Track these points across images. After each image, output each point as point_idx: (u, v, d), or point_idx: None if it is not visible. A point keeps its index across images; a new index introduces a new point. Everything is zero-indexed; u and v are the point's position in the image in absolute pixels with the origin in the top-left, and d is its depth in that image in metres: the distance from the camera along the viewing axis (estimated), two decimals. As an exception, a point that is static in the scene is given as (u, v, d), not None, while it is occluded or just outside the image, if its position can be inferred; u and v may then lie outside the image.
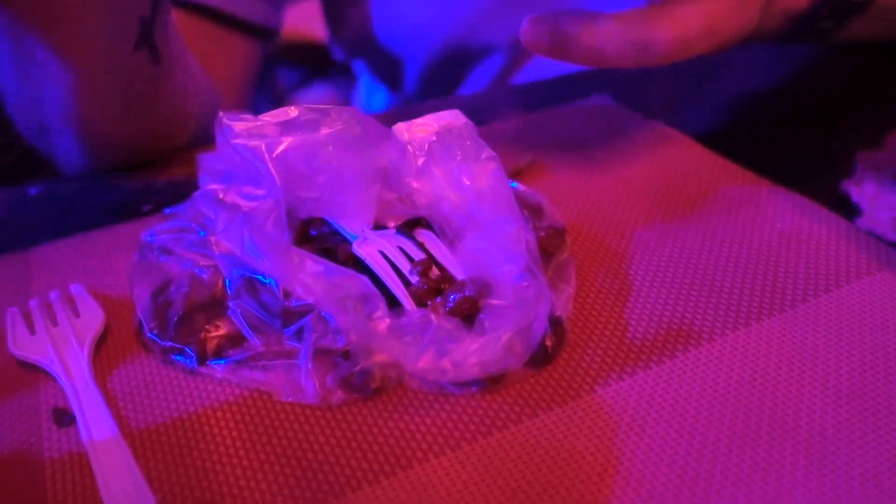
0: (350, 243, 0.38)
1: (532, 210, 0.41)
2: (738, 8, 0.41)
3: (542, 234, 0.39)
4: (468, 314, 0.33)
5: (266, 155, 0.34)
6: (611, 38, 0.39)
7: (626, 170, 0.49)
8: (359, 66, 0.88)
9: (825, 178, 0.47)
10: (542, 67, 0.75)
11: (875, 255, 0.40)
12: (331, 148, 0.35)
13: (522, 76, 0.76)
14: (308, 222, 0.39)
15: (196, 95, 0.56)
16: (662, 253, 0.41)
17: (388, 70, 0.83)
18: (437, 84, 0.79)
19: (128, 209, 0.50)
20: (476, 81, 0.77)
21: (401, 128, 0.38)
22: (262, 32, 0.70)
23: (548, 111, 0.57)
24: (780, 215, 0.43)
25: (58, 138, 0.50)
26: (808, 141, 0.53)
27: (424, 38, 0.74)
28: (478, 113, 0.58)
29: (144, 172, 0.53)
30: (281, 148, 0.34)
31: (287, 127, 0.36)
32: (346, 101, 0.96)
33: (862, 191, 0.44)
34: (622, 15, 0.39)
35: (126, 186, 0.52)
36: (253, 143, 0.34)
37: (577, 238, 0.42)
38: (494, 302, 0.32)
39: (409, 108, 0.62)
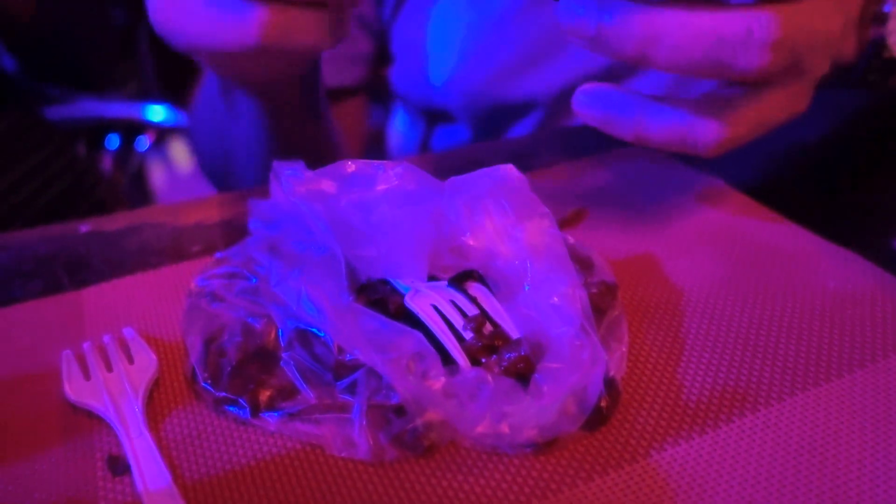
0: (401, 294, 0.38)
1: (582, 264, 0.41)
2: (791, 98, 0.41)
3: (594, 290, 0.39)
4: (522, 374, 0.33)
5: (325, 213, 0.34)
6: (658, 130, 0.39)
7: (674, 222, 0.49)
8: (397, 106, 0.89)
9: (875, 234, 0.46)
10: (579, 121, 0.74)
11: (932, 319, 0.39)
12: (387, 204, 0.36)
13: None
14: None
15: (338, 141, 0.67)
16: (714, 310, 0.41)
17: (423, 116, 0.84)
18: (474, 136, 0.79)
19: (177, 249, 0.50)
20: (514, 134, 0.77)
21: (454, 182, 0.38)
22: (357, 90, 0.78)
23: (592, 158, 0.57)
24: (834, 274, 0.43)
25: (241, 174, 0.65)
26: (858, 195, 0.52)
27: (456, 93, 0.75)
28: (521, 157, 0.59)
29: (194, 211, 0.54)
30: (339, 205, 0.35)
31: (344, 182, 0.36)
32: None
33: (916, 250, 0.43)
34: (675, 104, 0.39)
35: (175, 225, 0.53)
36: (312, 199, 0.35)
37: (627, 293, 0.42)
38: (551, 365, 0.32)
39: (456, 153, 0.62)
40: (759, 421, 0.34)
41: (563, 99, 0.73)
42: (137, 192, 1.54)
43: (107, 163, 1.47)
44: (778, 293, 0.42)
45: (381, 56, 0.80)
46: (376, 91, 0.84)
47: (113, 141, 1.49)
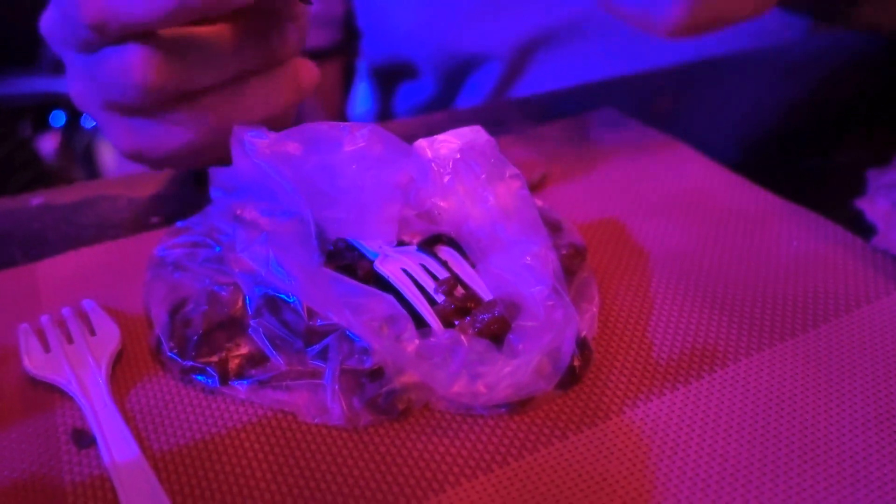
0: (369, 260, 0.38)
1: (551, 227, 0.41)
2: None
3: (564, 252, 0.39)
4: (497, 335, 0.33)
5: (291, 175, 0.33)
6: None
7: (639, 185, 0.49)
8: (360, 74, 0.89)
9: (835, 194, 0.47)
10: (540, 78, 0.75)
11: (892, 276, 0.40)
12: (354, 166, 0.35)
13: (522, 87, 0.76)
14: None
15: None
16: (681, 271, 0.41)
17: (386, 77, 0.83)
18: (437, 91, 0.79)
19: (135, 221, 0.49)
20: (475, 90, 0.77)
21: (423, 144, 0.37)
22: (332, 53, 0.77)
23: (556, 123, 0.57)
24: (796, 234, 0.43)
25: None
26: (818, 156, 0.53)
27: (420, 43, 0.75)
28: (487, 125, 0.58)
29: (152, 183, 0.53)
30: (305, 167, 0.34)
31: (309, 144, 0.35)
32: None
33: (875, 209, 0.44)
34: None
35: (133, 197, 0.51)
36: (277, 161, 0.34)
37: (595, 255, 0.42)
38: (525, 323, 0.32)
39: (420, 120, 0.62)
40: (728, 376, 0.34)
41: (523, 51, 0.73)
42: (87, 170, 1.50)
43: (51, 142, 1.42)
44: (743, 254, 0.42)
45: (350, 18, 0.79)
46: (349, 60, 0.84)
47: (58, 118, 1.45)
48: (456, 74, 0.77)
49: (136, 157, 0.44)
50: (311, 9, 0.43)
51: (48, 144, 1.43)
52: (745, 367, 0.35)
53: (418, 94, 0.81)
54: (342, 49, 0.80)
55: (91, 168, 1.51)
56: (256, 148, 0.35)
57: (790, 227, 0.44)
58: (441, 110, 0.81)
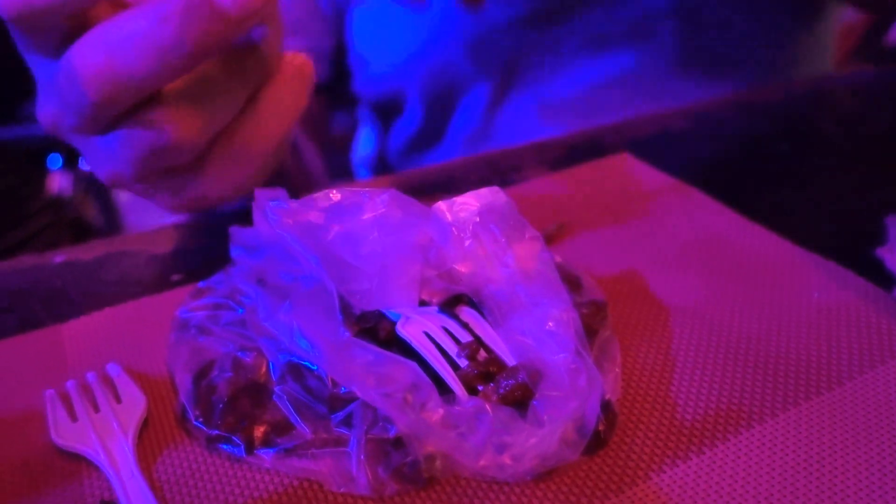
0: (391, 321, 0.38)
1: (571, 284, 0.41)
2: None
3: (585, 310, 0.39)
4: (521, 401, 0.33)
5: (315, 247, 0.34)
6: None
7: (658, 235, 0.49)
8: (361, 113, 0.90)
9: (857, 242, 0.47)
10: (528, 101, 0.75)
11: (916, 327, 0.40)
12: (375, 233, 0.35)
13: (510, 110, 0.76)
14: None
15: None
16: (703, 325, 0.41)
17: (380, 112, 0.84)
18: (428, 121, 0.79)
19: (156, 278, 0.49)
20: (466, 115, 0.77)
21: (442, 207, 0.38)
22: (320, 89, 0.77)
23: (572, 170, 0.57)
24: (818, 285, 0.43)
25: None
26: (833, 202, 0.53)
27: (411, 72, 0.76)
28: (500, 172, 0.59)
29: (172, 238, 0.53)
30: (328, 237, 0.34)
31: (331, 212, 0.36)
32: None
33: (896, 258, 0.44)
34: None
35: (154, 253, 0.52)
36: (300, 232, 0.34)
37: (615, 309, 0.42)
38: (550, 393, 0.32)
39: (437, 169, 0.62)
40: (755, 438, 0.34)
41: (511, 74, 0.74)
42: (102, 206, 1.51)
43: (65, 179, 1.44)
44: (765, 306, 0.42)
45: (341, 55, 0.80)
46: (341, 96, 0.84)
47: (55, 161, 1.46)
48: (446, 101, 0.77)
49: (189, 210, 0.45)
50: (299, 41, 0.44)
51: (63, 181, 1.45)
52: (772, 428, 0.34)
53: (410, 125, 0.81)
54: (332, 85, 0.80)
55: (106, 203, 1.53)
56: (279, 218, 0.35)
57: (811, 277, 0.44)
58: (434, 141, 0.81)
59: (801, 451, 0.33)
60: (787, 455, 0.33)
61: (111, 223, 1.50)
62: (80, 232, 1.29)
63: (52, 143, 1.39)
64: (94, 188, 1.49)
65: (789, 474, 0.32)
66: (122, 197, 1.61)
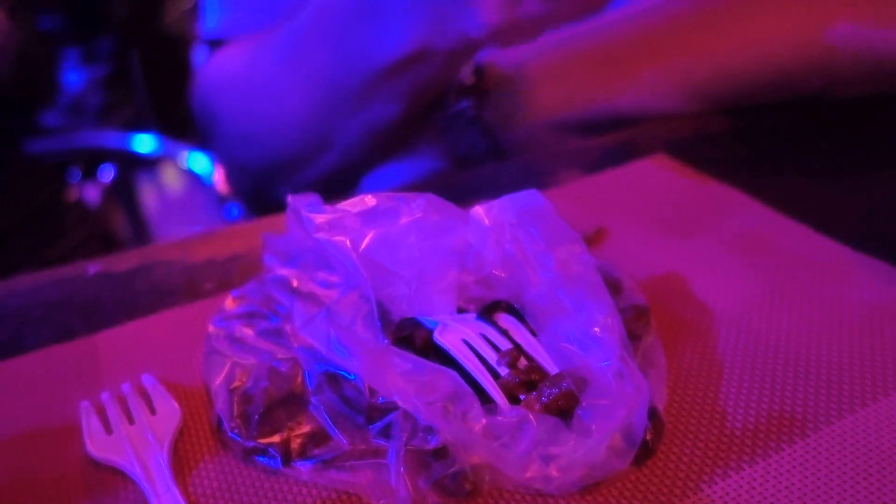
0: (427, 329, 0.37)
1: (612, 287, 0.40)
2: None
3: (628, 315, 0.38)
4: (565, 410, 0.32)
5: (353, 253, 0.33)
6: None
7: (698, 236, 0.47)
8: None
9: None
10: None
11: (975, 329, 0.38)
12: (412, 238, 0.35)
13: None
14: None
15: None
16: (749, 328, 0.39)
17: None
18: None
19: (190, 287, 0.49)
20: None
21: (479, 211, 0.37)
22: None
23: (608, 172, 0.56)
24: (867, 285, 0.42)
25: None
26: (874, 200, 0.51)
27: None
28: (535, 176, 0.58)
29: (205, 245, 0.53)
30: (365, 242, 0.34)
31: (366, 217, 0.35)
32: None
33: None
34: None
35: (187, 263, 0.51)
36: (336, 237, 0.34)
37: (657, 313, 0.41)
38: (596, 402, 0.31)
39: (473, 174, 0.61)
40: (811, 447, 0.33)
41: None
42: (132, 219, 1.52)
43: (95, 192, 1.45)
44: (813, 307, 0.40)
45: None
46: None
47: (106, 172, 1.48)
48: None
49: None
50: None
51: (92, 194, 1.46)
52: (828, 437, 0.33)
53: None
54: None
55: (135, 214, 1.54)
56: (314, 222, 0.34)
57: (860, 277, 0.42)
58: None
59: (859, 462, 0.32)
60: (845, 465, 0.32)
61: (140, 234, 1.51)
62: (111, 244, 1.30)
63: (74, 156, 1.40)
64: (122, 199, 1.51)
65: (848, 486, 0.31)
66: (150, 207, 1.63)
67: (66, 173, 1.36)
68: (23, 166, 1.06)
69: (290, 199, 0.39)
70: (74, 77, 1.76)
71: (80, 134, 1.54)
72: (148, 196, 1.71)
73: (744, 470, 0.32)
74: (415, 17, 0.49)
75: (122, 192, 1.51)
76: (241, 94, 0.69)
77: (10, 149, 1.07)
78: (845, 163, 0.57)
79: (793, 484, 0.31)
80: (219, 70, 0.73)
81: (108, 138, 1.50)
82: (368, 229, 0.34)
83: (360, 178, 0.70)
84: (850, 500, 0.30)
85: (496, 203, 0.37)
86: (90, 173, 1.45)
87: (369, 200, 0.36)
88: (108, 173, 1.43)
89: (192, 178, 1.47)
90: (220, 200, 1.28)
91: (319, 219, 0.35)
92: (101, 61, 1.78)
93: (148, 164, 1.57)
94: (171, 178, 1.80)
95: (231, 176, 0.92)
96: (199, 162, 1.35)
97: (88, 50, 1.77)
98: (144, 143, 1.45)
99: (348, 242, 0.33)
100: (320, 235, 0.34)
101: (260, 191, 0.76)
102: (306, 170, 0.66)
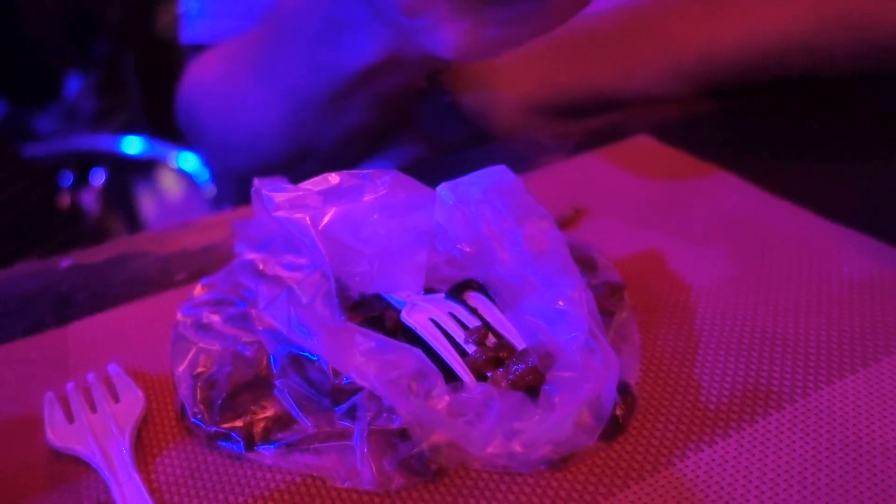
0: (397, 310, 0.36)
1: (585, 265, 0.39)
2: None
3: (600, 292, 0.37)
4: (532, 386, 0.31)
5: (312, 230, 0.32)
6: None
7: (679, 214, 0.47)
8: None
9: (886, 213, 0.45)
10: None
11: (957, 299, 0.37)
12: (376, 216, 0.34)
13: None
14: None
15: None
16: (727, 305, 0.39)
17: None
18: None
19: (163, 278, 0.48)
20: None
21: (446, 188, 0.36)
22: None
23: (588, 154, 0.55)
24: (848, 259, 0.41)
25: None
26: (863, 179, 0.50)
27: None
28: (512, 160, 0.57)
29: (180, 237, 0.52)
30: (326, 219, 0.33)
31: (329, 195, 0.34)
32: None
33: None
34: None
35: (161, 254, 0.51)
36: (297, 215, 0.33)
37: (634, 293, 0.40)
38: (562, 374, 0.30)
39: (445, 160, 0.60)
40: (786, 419, 0.32)
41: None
42: (129, 224, 1.52)
43: (91, 197, 1.44)
44: (792, 283, 0.40)
45: None
46: None
47: (98, 175, 1.47)
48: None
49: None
50: None
51: (88, 200, 1.46)
52: (804, 409, 0.32)
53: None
54: None
55: (133, 222, 1.54)
56: (275, 201, 0.34)
57: (842, 252, 0.41)
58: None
59: (835, 433, 0.31)
60: (820, 437, 0.31)
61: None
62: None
63: (68, 159, 1.40)
64: (119, 204, 1.50)
65: (824, 458, 0.30)
66: (148, 212, 1.62)
67: (59, 176, 1.36)
68: (16, 169, 1.05)
69: (255, 181, 0.38)
70: (68, 82, 1.76)
71: (73, 138, 1.53)
72: (145, 201, 1.71)
73: (717, 444, 0.31)
74: (381, 29, 0.49)
75: (119, 198, 1.50)
76: (219, 106, 0.69)
77: (5, 151, 1.07)
78: (836, 142, 0.56)
79: (766, 456, 0.30)
80: (197, 80, 0.73)
81: (101, 141, 1.50)
82: (330, 207, 0.33)
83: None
84: (825, 470, 0.29)
85: (463, 180, 0.36)
86: (83, 177, 1.44)
87: (332, 179, 0.35)
88: (99, 177, 1.43)
89: (188, 180, 1.47)
90: (216, 201, 1.28)
91: (280, 197, 0.34)
92: (95, 66, 1.78)
93: (142, 167, 1.56)
94: (168, 182, 1.79)
95: (218, 181, 0.93)
96: (191, 162, 1.34)
97: (82, 55, 1.77)
98: (136, 146, 1.44)
99: (308, 219, 0.33)
100: (280, 214, 0.33)
101: (246, 195, 0.75)
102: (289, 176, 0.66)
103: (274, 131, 0.64)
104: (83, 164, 1.44)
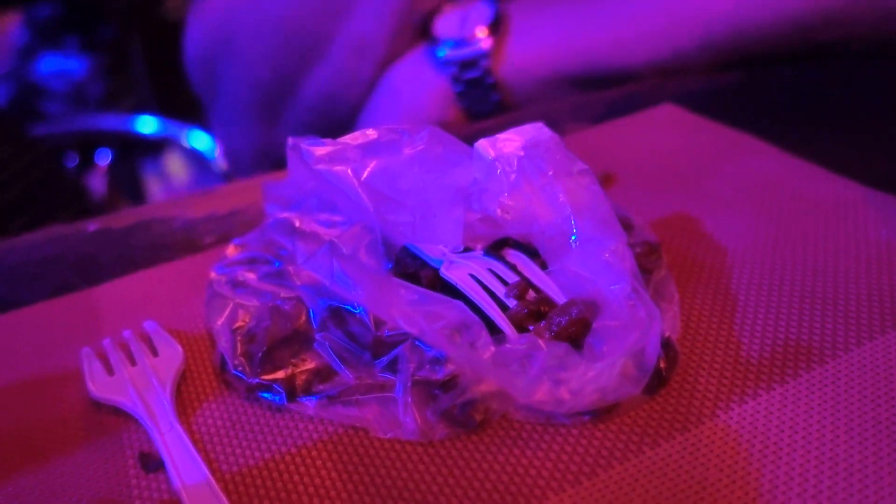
0: (432, 268, 0.36)
1: (622, 225, 0.39)
2: None
3: (638, 250, 0.37)
4: (575, 338, 0.31)
5: (354, 180, 0.32)
6: None
7: (709, 180, 0.46)
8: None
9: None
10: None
11: None
12: (415, 169, 0.34)
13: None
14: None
15: None
16: (763, 265, 0.39)
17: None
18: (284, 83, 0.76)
19: (189, 241, 0.48)
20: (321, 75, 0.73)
21: (484, 144, 0.36)
22: None
23: (615, 122, 0.55)
24: (882, 222, 0.41)
25: None
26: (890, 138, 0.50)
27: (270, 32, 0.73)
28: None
29: (204, 202, 0.52)
30: (366, 172, 0.33)
31: (368, 149, 0.34)
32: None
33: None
34: None
35: (187, 218, 0.50)
36: (337, 167, 0.33)
37: (669, 253, 0.40)
38: (608, 323, 0.30)
39: (475, 126, 0.60)
40: (829, 373, 0.32)
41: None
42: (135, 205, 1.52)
43: (98, 179, 1.44)
44: (828, 245, 0.39)
45: None
46: None
47: (104, 156, 1.47)
48: (303, 62, 0.73)
49: None
50: None
51: (96, 182, 1.45)
52: (846, 363, 0.32)
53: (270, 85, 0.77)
54: None
55: (139, 203, 1.53)
56: (315, 155, 0.33)
57: (875, 214, 0.41)
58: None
59: (880, 385, 0.31)
60: (865, 389, 0.31)
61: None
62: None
63: (73, 140, 1.39)
64: (126, 187, 1.50)
65: (869, 409, 0.30)
66: (155, 193, 1.62)
67: (64, 156, 1.36)
68: (22, 146, 1.05)
69: (289, 140, 0.38)
70: (76, 65, 1.75)
71: (80, 117, 1.53)
72: (153, 184, 1.70)
73: (760, 396, 0.31)
74: None
75: (126, 180, 1.50)
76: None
77: (12, 130, 1.07)
78: (860, 112, 0.56)
79: (811, 408, 0.30)
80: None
81: (108, 121, 1.50)
82: (370, 160, 0.33)
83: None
84: (871, 421, 0.29)
85: (501, 136, 0.36)
86: (88, 157, 1.44)
87: (370, 133, 0.35)
88: (105, 157, 1.42)
89: (196, 160, 1.46)
90: (225, 179, 1.27)
91: (320, 151, 0.34)
92: (102, 49, 1.77)
93: (150, 148, 1.56)
94: (175, 165, 1.79)
95: (229, 155, 0.93)
96: (201, 140, 1.34)
97: (89, 38, 1.77)
98: (150, 125, 1.44)
99: (350, 171, 0.32)
100: (321, 167, 0.33)
101: (257, 165, 0.76)
102: (304, 88, 0.67)
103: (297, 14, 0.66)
104: (89, 144, 1.43)
